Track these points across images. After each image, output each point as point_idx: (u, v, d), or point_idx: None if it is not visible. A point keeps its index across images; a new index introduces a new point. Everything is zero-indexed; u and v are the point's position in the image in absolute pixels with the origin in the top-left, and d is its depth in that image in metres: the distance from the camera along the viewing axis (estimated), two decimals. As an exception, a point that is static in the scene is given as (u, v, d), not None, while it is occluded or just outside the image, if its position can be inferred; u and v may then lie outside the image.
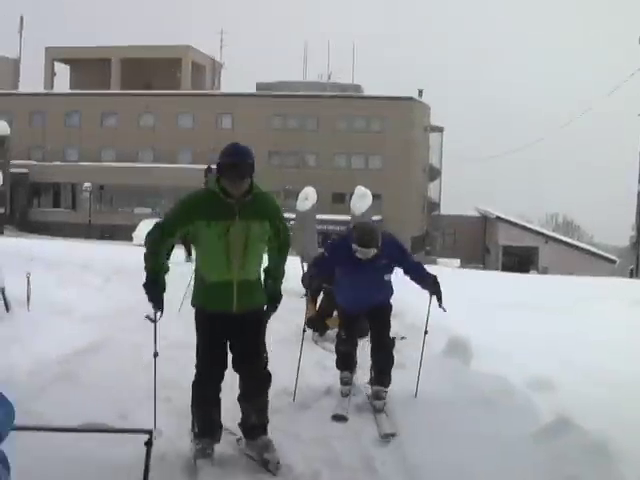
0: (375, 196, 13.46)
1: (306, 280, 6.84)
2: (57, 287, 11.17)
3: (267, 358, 5.20)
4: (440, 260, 45.78)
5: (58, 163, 57.30)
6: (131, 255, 12.57)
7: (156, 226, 4.95)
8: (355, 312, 6.79)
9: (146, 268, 4.90)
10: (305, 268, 11.91)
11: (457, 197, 66.06)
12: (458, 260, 48.54)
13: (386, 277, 6.64)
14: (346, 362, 6.92)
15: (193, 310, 5.15)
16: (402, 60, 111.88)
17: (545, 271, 40.71)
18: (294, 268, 11.07)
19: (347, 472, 5.17)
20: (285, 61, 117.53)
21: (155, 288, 4.89)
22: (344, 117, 55.58)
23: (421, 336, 7.62)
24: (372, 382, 6.82)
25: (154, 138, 56.95)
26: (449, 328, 8.60)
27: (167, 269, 5.01)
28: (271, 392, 5.32)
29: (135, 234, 37.26)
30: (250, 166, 4.80)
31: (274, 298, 5.28)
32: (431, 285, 6.51)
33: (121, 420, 5.42)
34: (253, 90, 60.19)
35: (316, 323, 9.39)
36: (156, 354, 5.07)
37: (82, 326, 8.95)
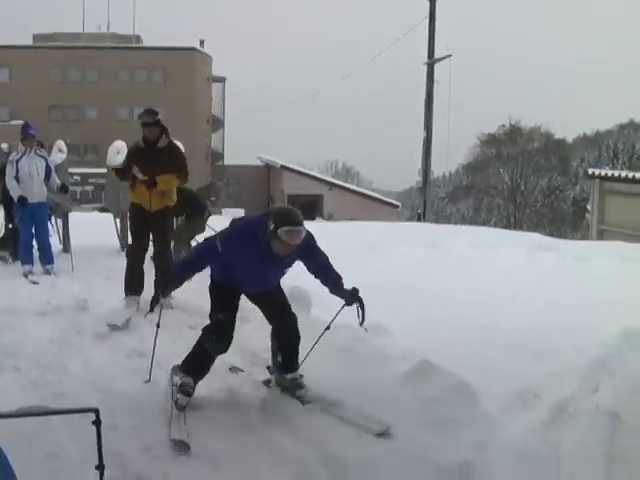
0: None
1: (179, 277, 5.44)
2: None
3: None
4: (225, 210, 45.51)
5: None
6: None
7: None
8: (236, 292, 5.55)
9: None
10: (118, 224, 12.06)
11: (240, 147, 66.54)
12: (242, 210, 48.50)
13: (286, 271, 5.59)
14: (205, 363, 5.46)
15: None
16: (183, 11, 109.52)
17: (331, 217, 41.15)
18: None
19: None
20: (62, 12, 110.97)
21: None
22: (125, 69, 53.85)
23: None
24: (281, 369, 5.82)
25: None
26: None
27: None
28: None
29: None
30: None
31: None
32: (349, 296, 5.55)
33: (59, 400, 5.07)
34: (30, 42, 56.32)
35: None
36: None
37: None
